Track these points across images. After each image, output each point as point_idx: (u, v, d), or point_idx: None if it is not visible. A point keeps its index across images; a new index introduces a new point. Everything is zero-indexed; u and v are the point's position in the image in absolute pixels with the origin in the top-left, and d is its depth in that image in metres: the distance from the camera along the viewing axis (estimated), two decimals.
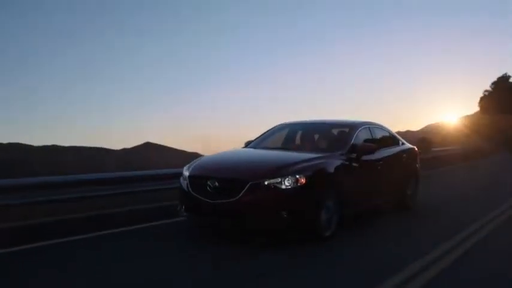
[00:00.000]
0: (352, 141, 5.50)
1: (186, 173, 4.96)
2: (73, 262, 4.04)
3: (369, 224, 5.68)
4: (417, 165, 7.12)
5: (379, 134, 6.32)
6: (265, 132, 6.38)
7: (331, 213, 4.74)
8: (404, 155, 6.80)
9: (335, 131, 6.13)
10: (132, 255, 4.25)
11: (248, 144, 6.15)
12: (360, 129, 5.84)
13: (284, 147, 5.93)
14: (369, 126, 6.17)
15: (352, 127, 5.85)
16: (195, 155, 16.97)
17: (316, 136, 6.14)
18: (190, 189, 4.74)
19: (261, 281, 3.51)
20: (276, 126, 6.49)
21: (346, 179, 5.03)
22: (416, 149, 7.33)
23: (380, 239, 5.00)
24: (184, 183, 4.92)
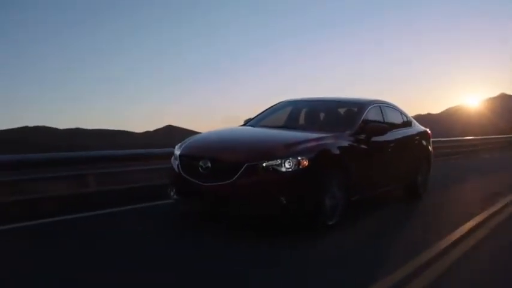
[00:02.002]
0: (361, 121, 4.96)
1: (177, 152, 4.48)
2: None
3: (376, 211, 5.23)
4: (430, 150, 6.60)
5: (390, 114, 5.76)
6: (266, 110, 5.82)
7: (336, 199, 4.27)
8: (417, 138, 6.27)
9: (342, 110, 5.59)
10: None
11: (248, 122, 5.66)
12: (369, 107, 5.30)
13: (286, 126, 5.36)
14: (380, 105, 5.61)
15: (361, 105, 5.30)
16: None
17: (322, 114, 5.59)
18: (180, 170, 4.26)
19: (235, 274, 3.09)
20: (279, 103, 5.94)
21: (353, 162, 4.51)
22: (429, 131, 6.81)
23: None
24: (175, 163, 4.44)
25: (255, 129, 5.23)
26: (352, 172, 4.45)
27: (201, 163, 4.05)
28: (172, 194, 4.39)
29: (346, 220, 4.39)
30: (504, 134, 23.79)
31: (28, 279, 2.95)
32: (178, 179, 4.30)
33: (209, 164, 4.02)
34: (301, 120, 5.63)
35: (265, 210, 3.94)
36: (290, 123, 5.47)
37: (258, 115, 5.72)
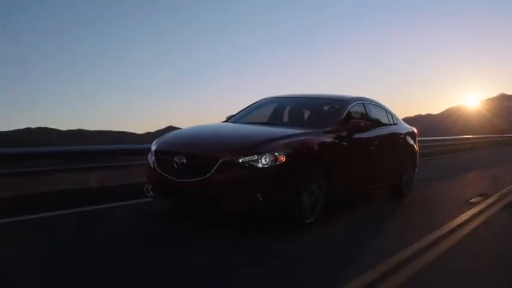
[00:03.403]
0: (343, 117, 4.86)
1: (153, 148, 4.37)
2: None
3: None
4: (415, 149, 6.52)
5: (374, 112, 5.66)
6: (249, 106, 5.71)
7: (314, 197, 4.17)
8: (402, 136, 6.18)
9: (325, 106, 5.50)
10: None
11: (229, 119, 5.55)
12: (352, 104, 5.19)
13: (268, 122, 5.23)
14: (363, 102, 5.51)
15: (343, 102, 5.20)
16: None
17: (305, 111, 5.49)
18: (156, 166, 4.15)
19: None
20: (261, 99, 5.83)
21: (333, 159, 4.41)
22: (415, 130, 6.73)
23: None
24: (151, 159, 4.34)
25: (235, 125, 5.11)
26: (332, 169, 4.34)
27: (176, 159, 3.94)
28: (148, 190, 4.28)
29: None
30: (503, 134, 23.90)
31: None
32: (153, 175, 4.18)
33: (184, 160, 3.90)
34: (284, 117, 5.50)
35: (240, 207, 3.83)
36: (272, 120, 5.34)
37: (240, 111, 5.61)
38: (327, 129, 4.58)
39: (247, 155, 3.80)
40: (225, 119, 5.57)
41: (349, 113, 5.02)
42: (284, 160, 3.84)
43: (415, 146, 6.48)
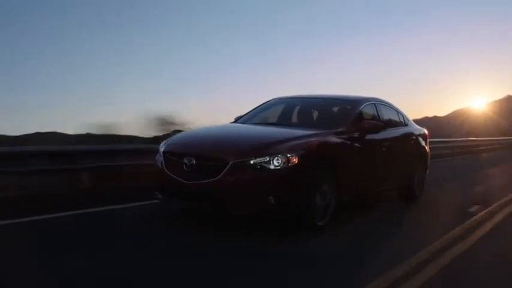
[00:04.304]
0: (355, 118, 4.76)
1: (162, 149, 4.28)
2: None
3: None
4: (427, 150, 6.41)
5: (385, 112, 5.54)
6: (257, 107, 5.60)
7: (327, 199, 4.06)
8: (413, 138, 6.07)
9: (336, 107, 5.39)
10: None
11: (238, 120, 5.45)
12: (364, 105, 5.08)
13: (278, 123, 5.12)
14: (375, 102, 5.40)
15: (355, 103, 5.09)
16: None
17: (315, 112, 5.38)
18: (164, 167, 4.06)
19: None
20: (271, 100, 5.72)
21: (346, 161, 4.30)
22: (426, 132, 6.62)
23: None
24: (159, 160, 4.25)
25: (244, 126, 5.01)
26: (344, 171, 4.23)
27: (185, 160, 3.84)
28: (156, 192, 4.19)
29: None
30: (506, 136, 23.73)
31: None
32: (162, 176, 4.09)
33: (194, 162, 3.81)
34: (294, 117, 5.40)
35: (251, 210, 3.73)
36: (282, 121, 5.23)
37: (248, 112, 5.51)
38: (339, 130, 4.47)
39: (259, 157, 3.70)
40: (233, 120, 5.47)
41: (361, 114, 4.91)
42: (297, 162, 3.74)
43: (426, 147, 6.36)
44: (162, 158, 4.14)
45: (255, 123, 5.07)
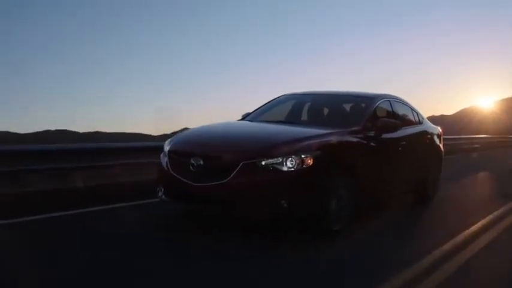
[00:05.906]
0: (370, 116, 4.49)
1: (167, 148, 4.02)
2: None
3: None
4: (441, 149, 6.14)
5: (400, 110, 5.26)
6: (266, 103, 5.32)
7: (343, 202, 3.80)
8: (429, 136, 5.80)
9: (349, 104, 5.10)
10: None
11: (246, 117, 5.18)
12: (379, 102, 4.81)
13: (288, 121, 4.83)
14: (390, 99, 5.11)
15: (369, 100, 4.80)
16: None
17: (327, 109, 5.10)
18: (169, 167, 3.81)
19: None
20: (280, 96, 5.44)
21: (363, 161, 4.03)
22: (441, 130, 6.36)
23: None
24: (164, 160, 3.99)
25: (254, 124, 4.73)
26: (361, 172, 3.96)
27: (192, 161, 3.58)
28: (160, 193, 3.94)
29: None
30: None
31: None
32: (166, 177, 3.83)
33: (201, 162, 3.55)
34: (304, 115, 5.12)
35: (263, 214, 3.46)
36: (292, 118, 4.94)
37: (257, 109, 5.24)
38: (354, 128, 4.20)
39: (271, 157, 3.44)
40: (240, 117, 5.22)
41: (376, 112, 4.65)
42: (311, 163, 3.48)
43: (440, 146, 6.10)
44: (166, 158, 3.90)
45: (264, 121, 4.79)
